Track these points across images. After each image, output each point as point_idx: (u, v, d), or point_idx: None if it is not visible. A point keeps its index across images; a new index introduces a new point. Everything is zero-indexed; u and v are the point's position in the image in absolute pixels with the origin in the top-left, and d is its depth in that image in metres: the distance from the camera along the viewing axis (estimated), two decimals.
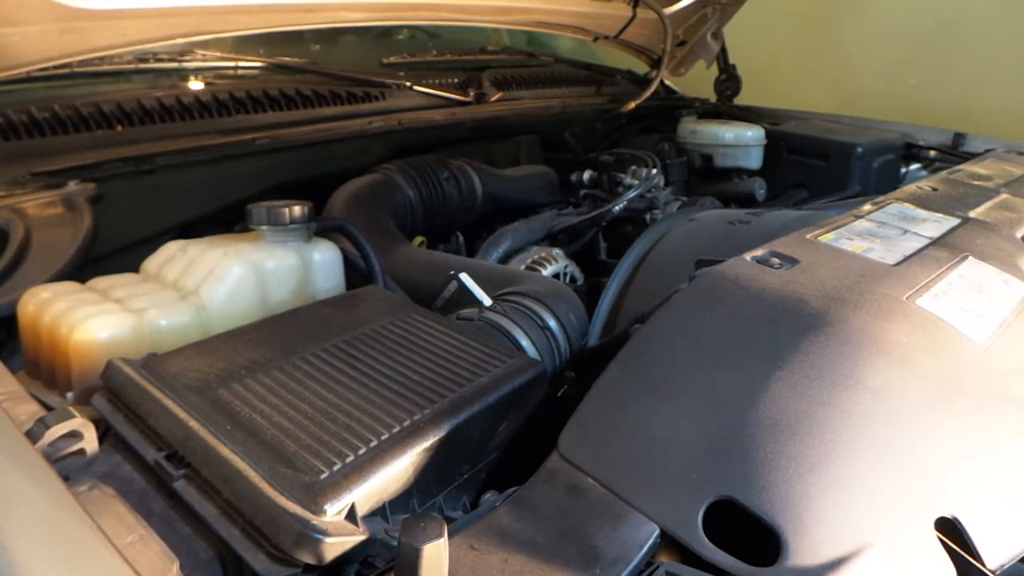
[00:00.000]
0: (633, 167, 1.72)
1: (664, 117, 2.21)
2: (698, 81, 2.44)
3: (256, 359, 0.74)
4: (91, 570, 0.45)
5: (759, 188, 1.89)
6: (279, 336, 0.79)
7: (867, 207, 1.05)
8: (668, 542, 0.54)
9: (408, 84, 1.67)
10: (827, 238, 0.89)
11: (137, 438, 0.65)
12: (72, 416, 0.60)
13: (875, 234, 0.92)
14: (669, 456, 0.59)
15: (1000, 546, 0.55)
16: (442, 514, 0.67)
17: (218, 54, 1.53)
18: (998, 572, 0.54)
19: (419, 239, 1.47)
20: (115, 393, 0.69)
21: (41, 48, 1.14)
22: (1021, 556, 0.56)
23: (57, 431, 0.58)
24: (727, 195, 1.90)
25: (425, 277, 1.14)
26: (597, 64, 2.31)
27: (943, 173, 1.37)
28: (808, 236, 0.89)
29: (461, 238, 1.56)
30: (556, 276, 1.37)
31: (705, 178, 2.01)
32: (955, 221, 1.01)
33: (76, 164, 1.14)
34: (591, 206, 1.68)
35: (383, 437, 0.62)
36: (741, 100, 2.36)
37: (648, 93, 2.08)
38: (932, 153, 2.02)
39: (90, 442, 0.61)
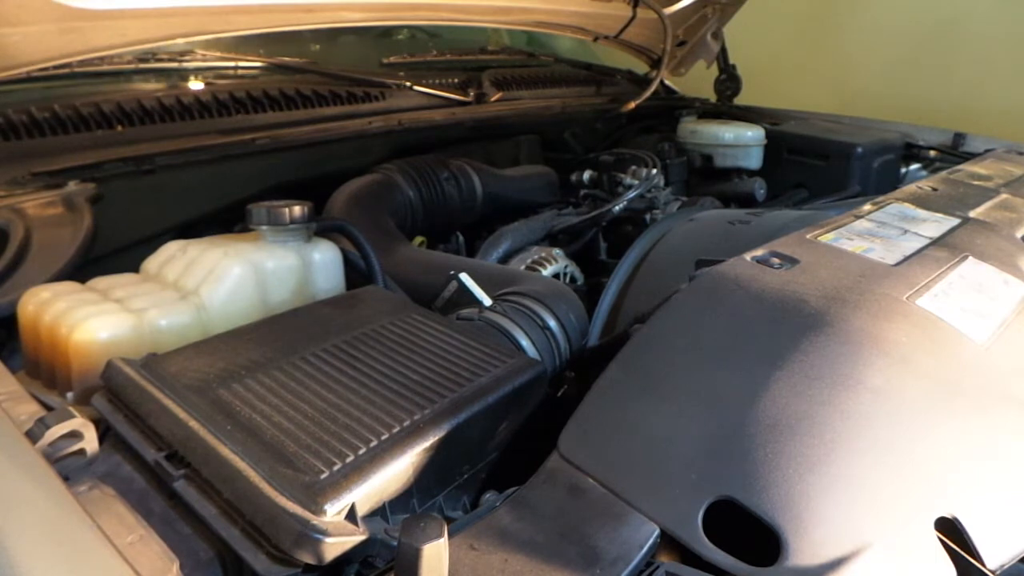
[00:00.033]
0: (633, 167, 1.72)
1: (664, 117, 2.21)
2: (698, 81, 2.44)
3: (256, 359, 0.74)
4: (91, 570, 0.45)
5: (759, 188, 1.89)
6: (279, 336, 0.79)
7: (867, 207, 1.05)
8: (668, 542, 0.54)
9: (408, 84, 1.67)
10: (827, 238, 0.89)
11: (137, 438, 0.65)
12: (72, 416, 0.60)
13: (875, 234, 0.92)
14: (669, 456, 0.59)
15: (1000, 546, 0.55)
16: (442, 514, 0.67)
17: (218, 54, 1.53)
18: (998, 572, 0.54)
19: (419, 239, 1.47)
20: (115, 393, 0.69)
21: (41, 48, 1.14)
22: (1021, 556, 0.56)
23: (57, 431, 0.58)
24: (727, 195, 1.90)
25: (425, 277, 1.14)
26: (597, 64, 2.30)
27: (943, 173, 1.36)
28: (808, 236, 0.89)
29: (461, 238, 1.56)
30: (556, 276, 1.37)
31: (705, 178, 2.01)
32: (955, 221, 1.01)
33: (76, 164, 1.14)
34: (591, 206, 1.68)
35: (383, 437, 0.62)
36: (741, 100, 2.36)
37: (648, 93, 2.08)
38: (932, 153, 2.02)
39: (90, 442, 0.61)
